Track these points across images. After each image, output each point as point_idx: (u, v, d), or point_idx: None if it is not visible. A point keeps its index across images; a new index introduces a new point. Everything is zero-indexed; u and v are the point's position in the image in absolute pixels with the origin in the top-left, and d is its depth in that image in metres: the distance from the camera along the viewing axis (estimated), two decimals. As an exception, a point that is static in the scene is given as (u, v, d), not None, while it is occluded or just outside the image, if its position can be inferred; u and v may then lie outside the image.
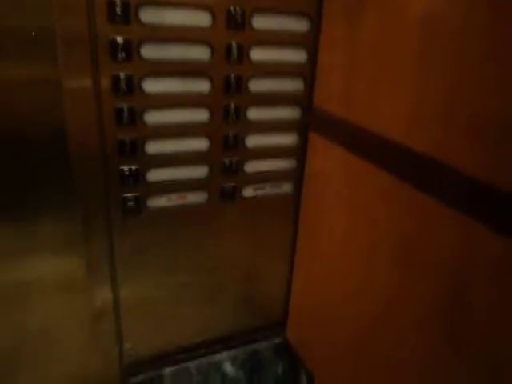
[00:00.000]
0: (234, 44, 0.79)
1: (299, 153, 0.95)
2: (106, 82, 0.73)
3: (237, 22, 0.77)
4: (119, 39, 0.71)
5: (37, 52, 0.67)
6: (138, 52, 0.73)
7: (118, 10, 0.69)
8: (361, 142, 0.75)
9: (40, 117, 0.71)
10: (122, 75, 0.73)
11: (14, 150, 0.71)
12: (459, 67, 0.55)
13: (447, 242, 0.59)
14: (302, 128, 0.92)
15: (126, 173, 0.80)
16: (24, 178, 0.73)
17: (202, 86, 0.80)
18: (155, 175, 0.83)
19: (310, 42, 0.85)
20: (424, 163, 0.61)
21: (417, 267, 0.65)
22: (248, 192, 0.94)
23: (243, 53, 0.80)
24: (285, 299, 1.11)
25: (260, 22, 0.80)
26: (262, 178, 0.94)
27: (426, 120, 0.61)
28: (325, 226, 0.91)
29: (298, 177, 0.97)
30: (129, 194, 0.82)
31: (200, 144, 0.85)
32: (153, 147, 0.81)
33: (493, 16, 0.50)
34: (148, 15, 0.71)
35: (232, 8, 0.76)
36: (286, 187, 0.97)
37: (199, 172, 0.87)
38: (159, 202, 0.86)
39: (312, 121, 0.90)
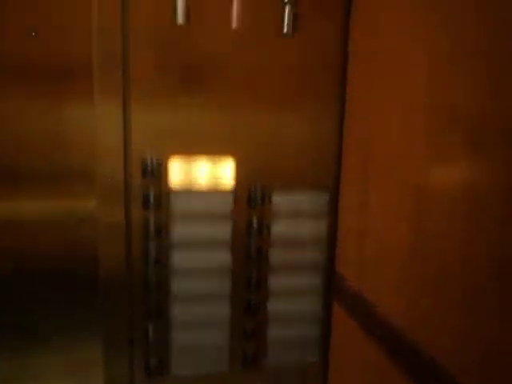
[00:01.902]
0: (254, 219, 0.88)
1: (323, 320, 0.94)
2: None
3: (256, 201, 0.87)
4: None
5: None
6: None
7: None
8: (371, 323, 0.74)
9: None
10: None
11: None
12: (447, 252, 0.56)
13: None
14: (325, 295, 0.93)
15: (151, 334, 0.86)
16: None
17: (224, 255, 0.88)
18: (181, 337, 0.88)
19: (330, 211, 0.91)
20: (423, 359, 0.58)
21: None
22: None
23: (263, 227, 0.88)
24: None
25: (280, 199, 0.89)
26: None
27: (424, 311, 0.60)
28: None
29: (324, 346, 0.95)
30: (153, 358, 0.86)
31: (222, 309, 0.89)
32: (178, 310, 0.87)
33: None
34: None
35: (252, 190, 0.87)
36: (311, 357, 0.95)
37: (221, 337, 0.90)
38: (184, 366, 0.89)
39: (334, 289, 0.91)
